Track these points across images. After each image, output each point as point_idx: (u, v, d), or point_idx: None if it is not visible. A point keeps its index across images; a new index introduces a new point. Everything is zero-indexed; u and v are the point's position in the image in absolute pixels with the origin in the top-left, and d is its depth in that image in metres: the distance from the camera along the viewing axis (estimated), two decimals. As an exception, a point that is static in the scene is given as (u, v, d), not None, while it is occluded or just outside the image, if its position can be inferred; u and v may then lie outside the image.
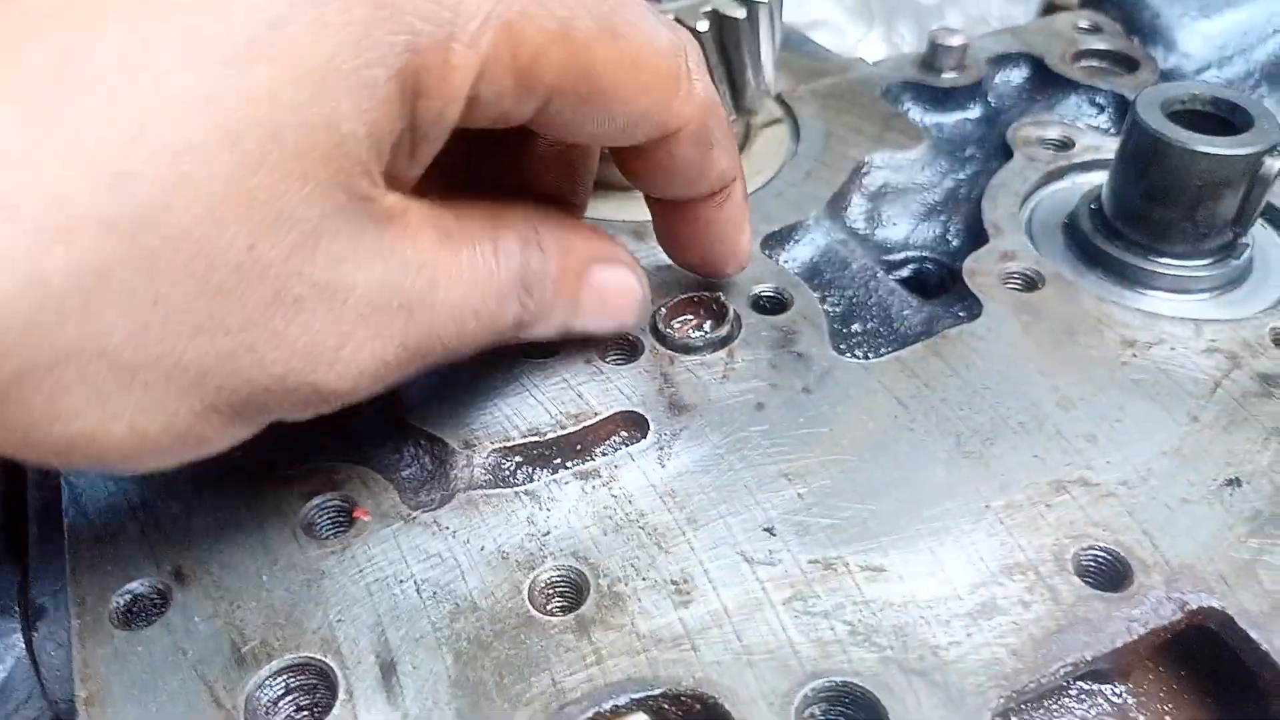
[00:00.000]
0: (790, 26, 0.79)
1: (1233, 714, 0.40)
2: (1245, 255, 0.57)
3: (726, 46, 0.59)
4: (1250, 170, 0.53)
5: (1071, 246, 0.59)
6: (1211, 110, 0.56)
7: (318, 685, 0.38)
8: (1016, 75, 0.77)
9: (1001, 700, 0.37)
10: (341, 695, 0.38)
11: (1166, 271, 0.56)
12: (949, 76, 0.74)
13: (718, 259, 0.51)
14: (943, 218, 0.65)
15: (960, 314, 0.55)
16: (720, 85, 0.60)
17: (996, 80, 0.76)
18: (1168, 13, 0.79)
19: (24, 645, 0.44)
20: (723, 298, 0.54)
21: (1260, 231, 0.60)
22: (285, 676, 0.39)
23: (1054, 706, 0.41)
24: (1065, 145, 0.67)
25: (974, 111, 0.74)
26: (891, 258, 0.64)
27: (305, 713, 0.38)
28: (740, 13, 0.58)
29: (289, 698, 0.39)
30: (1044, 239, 0.60)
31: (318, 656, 0.39)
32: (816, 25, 2.20)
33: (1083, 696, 0.41)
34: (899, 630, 0.39)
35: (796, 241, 0.61)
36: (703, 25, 0.57)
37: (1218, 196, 0.54)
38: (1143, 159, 0.55)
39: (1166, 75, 0.77)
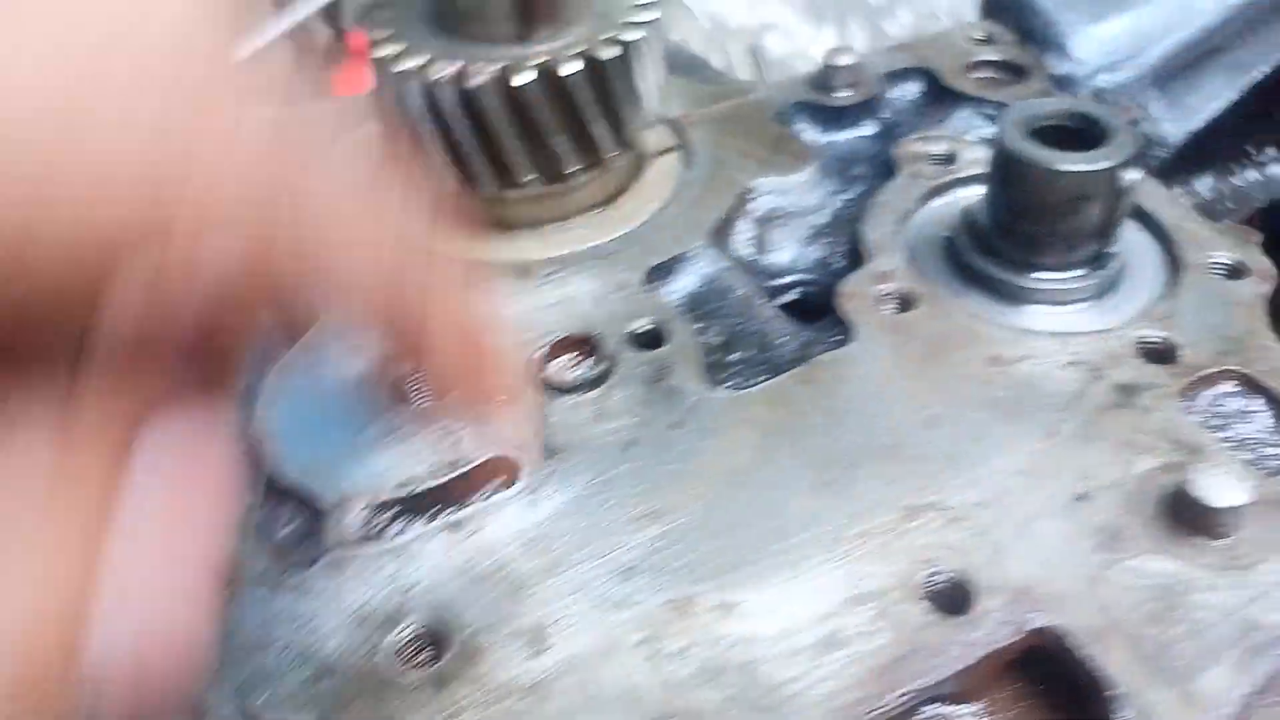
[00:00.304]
0: (683, 50, 0.80)
1: (1082, 728, 0.41)
2: (1116, 264, 0.58)
3: (602, 85, 0.60)
4: (1109, 184, 0.54)
5: (950, 263, 0.60)
6: (1073, 125, 0.57)
7: (176, 755, 0.39)
8: (911, 90, 0.78)
9: (840, 733, 0.38)
10: (199, 763, 0.39)
11: (1037, 286, 0.57)
12: (842, 95, 0.75)
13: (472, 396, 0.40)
14: (828, 239, 0.66)
15: (838, 338, 0.56)
16: (598, 122, 0.61)
17: (891, 96, 0.77)
18: (1060, 19, 0.80)
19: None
20: (599, 336, 0.55)
21: (1136, 235, 0.61)
22: (144, 748, 0.39)
23: (907, 731, 0.42)
24: (949, 160, 0.68)
25: (868, 129, 0.75)
26: (776, 283, 0.65)
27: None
28: (612, 53, 0.59)
29: (152, 767, 0.40)
30: (926, 257, 0.61)
31: (177, 726, 0.40)
32: (767, 29, 2.22)
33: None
34: (744, 667, 0.40)
35: (679, 273, 0.62)
36: (571, 68, 0.58)
37: (1079, 210, 0.55)
38: (1006, 176, 0.56)
39: (1059, 82, 0.78)
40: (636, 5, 0.62)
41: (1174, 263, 0.60)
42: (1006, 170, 0.56)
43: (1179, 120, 0.78)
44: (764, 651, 0.41)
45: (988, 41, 0.80)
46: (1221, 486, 0.43)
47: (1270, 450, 0.50)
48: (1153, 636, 0.41)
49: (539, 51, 0.58)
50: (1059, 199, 0.55)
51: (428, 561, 0.45)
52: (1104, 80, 0.79)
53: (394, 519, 0.48)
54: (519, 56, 0.57)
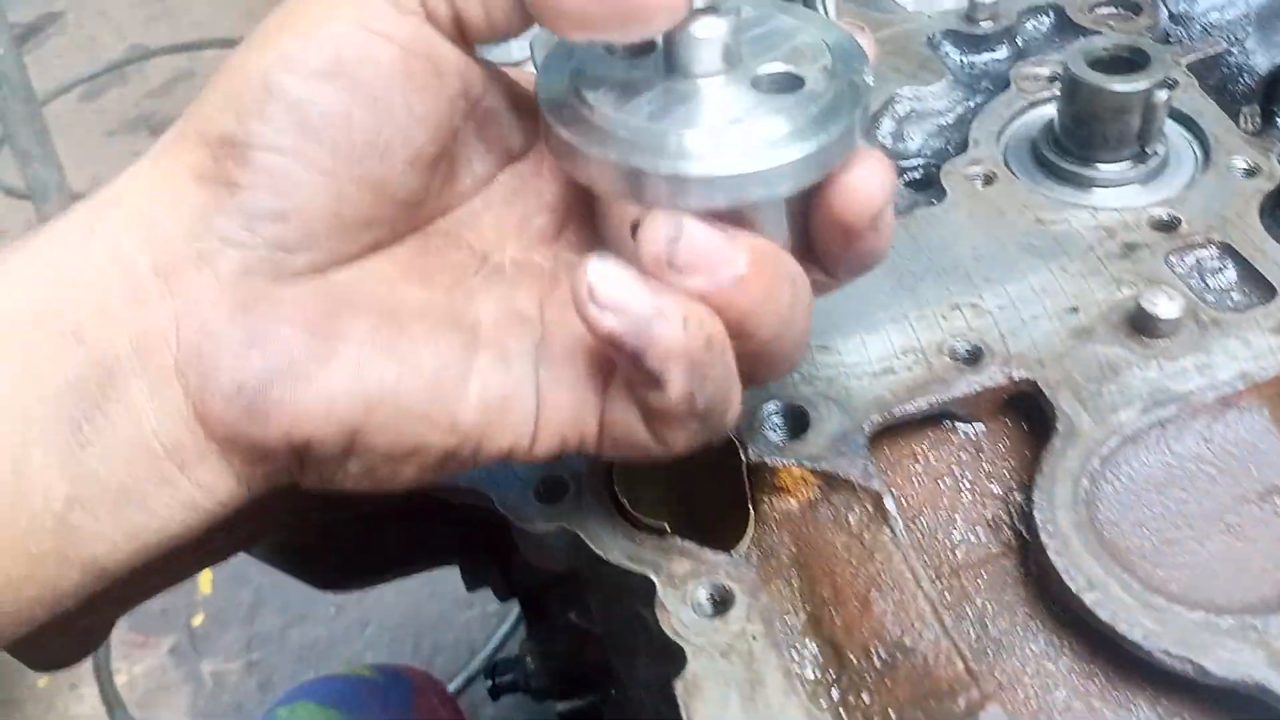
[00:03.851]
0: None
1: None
2: (1156, 161, 0.79)
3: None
4: (1144, 100, 0.75)
5: (1032, 157, 0.83)
6: (1125, 55, 0.77)
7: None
8: (1043, 23, 0.98)
9: (879, 418, 0.64)
10: None
11: (1091, 174, 0.79)
12: (984, 25, 0.97)
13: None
14: (948, 134, 0.90)
15: (934, 200, 0.80)
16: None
17: (1026, 27, 0.97)
18: (1180, -34, 0.98)
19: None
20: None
21: (1181, 140, 0.82)
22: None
23: (931, 434, 0.67)
24: (1052, 80, 0.89)
25: (1002, 54, 0.96)
26: (903, 164, 0.89)
27: None
28: (796, -12, 0.84)
29: None
30: (1016, 151, 0.84)
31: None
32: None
33: (951, 429, 0.68)
34: (829, 380, 0.67)
35: (833, 153, 0.87)
36: None
37: (1121, 120, 0.76)
38: (1070, 93, 0.78)
39: (1175, 19, 0.96)
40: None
41: (1206, 162, 0.80)
42: (1071, 89, 0.78)
43: (1268, 53, 0.95)
44: (843, 372, 0.67)
45: (1114, -16, 0.99)
46: (1163, 302, 0.66)
47: (1228, 295, 0.71)
48: (1092, 389, 0.64)
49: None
50: (1105, 110, 0.76)
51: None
52: (1214, 16, 0.97)
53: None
54: None
